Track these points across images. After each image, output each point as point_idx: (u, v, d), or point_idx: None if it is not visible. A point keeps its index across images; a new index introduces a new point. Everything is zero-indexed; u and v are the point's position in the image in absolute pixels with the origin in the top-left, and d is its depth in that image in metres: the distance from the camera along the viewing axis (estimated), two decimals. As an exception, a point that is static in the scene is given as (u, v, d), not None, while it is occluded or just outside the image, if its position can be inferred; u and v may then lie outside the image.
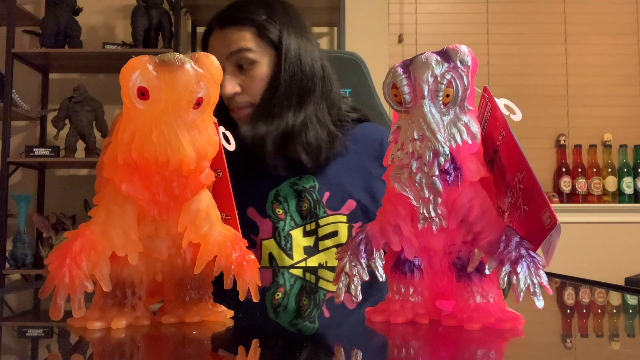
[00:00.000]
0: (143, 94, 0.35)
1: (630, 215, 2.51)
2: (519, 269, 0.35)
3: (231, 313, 0.42)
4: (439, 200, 0.36)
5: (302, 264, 0.90)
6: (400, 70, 0.37)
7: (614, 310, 0.52)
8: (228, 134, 0.49)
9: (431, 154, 0.35)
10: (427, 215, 0.36)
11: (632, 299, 0.55)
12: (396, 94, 0.37)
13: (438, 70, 0.36)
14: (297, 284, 0.69)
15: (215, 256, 0.40)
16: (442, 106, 0.36)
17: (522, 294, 0.34)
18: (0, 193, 2.27)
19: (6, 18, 2.31)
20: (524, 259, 0.35)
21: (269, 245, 0.91)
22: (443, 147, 0.35)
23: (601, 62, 2.69)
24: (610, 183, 2.55)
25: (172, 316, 0.40)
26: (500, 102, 0.39)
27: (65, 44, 2.40)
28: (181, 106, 0.36)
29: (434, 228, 0.37)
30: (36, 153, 2.31)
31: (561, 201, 2.55)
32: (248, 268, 0.41)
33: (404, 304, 0.39)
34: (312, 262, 0.91)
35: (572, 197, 2.56)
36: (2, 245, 2.28)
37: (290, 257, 0.91)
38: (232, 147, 0.49)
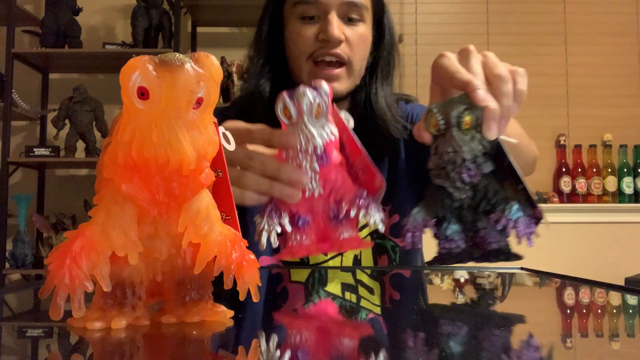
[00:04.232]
0: (143, 94, 0.35)
1: (630, 215, 2.51)
2: (370, 210, 0.56)
3: (231, 313, 0.42)
4: (317, 176, 0.56)
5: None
6: (287, 97, 0.55)
7: (614, 310, 0.52)
8: (228, 133, 0.50)
9: (312, 148, 0.55)
10: (311, 186, 0.56)
11: (632, 299, 0.55)
12: (286, 112, 0.55)
13: (312, 97, 0.54)
14: (298, 284, 0.69)
15: (215, 256, 0.40)
16: (315, 118, 0.55)
17: (372, 221, 0.56)
18: (0, 193, 2.27)
19: (6, 18, 2.31)
20: (371, 204, 0.57)
21: None
22: (318, 143, 0.55)
23: (601, 62, 2.69)
24: (610, 183, 2.55)
25: (172, 316, 0.40)
26: (342, 115, 0.60)
27: (65, 44, 2.40)
28: (181, 106, 0.36)
29: (315, 194, 0.57)
30: (36, 153, 2.31)
31: (561, 201, 2.55)
32: (248, 268, 0.41)
33: (300, 245, 0.58)
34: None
35: (572, 197, 2.56)
36: (2, 245, 2.28)
37: None
38: (232, 147, 0.49)
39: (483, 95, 0.52)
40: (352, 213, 0.57)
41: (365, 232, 0.91)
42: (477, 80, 0.54)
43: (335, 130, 0.57)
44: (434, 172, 0.56)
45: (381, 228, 0.57)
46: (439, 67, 0.58)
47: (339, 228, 0.58)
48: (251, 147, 0.60)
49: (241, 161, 0.59)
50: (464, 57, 0.58)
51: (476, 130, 0.54)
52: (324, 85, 0.56)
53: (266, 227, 0.56)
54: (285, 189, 0.56)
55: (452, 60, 0.58)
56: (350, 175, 0.60)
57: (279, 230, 0.56)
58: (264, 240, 0.56)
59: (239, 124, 0.61)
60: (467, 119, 0.53)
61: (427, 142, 0.57)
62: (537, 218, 0.55)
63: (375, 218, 0.56)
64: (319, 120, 0.55)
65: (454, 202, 0.55)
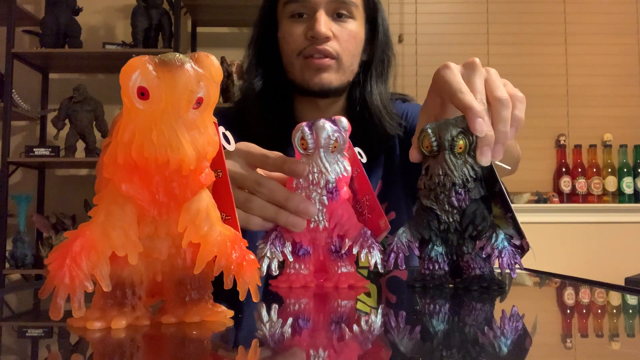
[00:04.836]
0: (143, 94, 0.35)
1: (630, 215, 2.51)
2: (372, 251, 0.57)
3: (231, 313, 0.42)
4: (325, 210, 0.57)
5: None
6: (306, 128, 0.55)
7: (614, 310, 0.52)
8: (228, 133, 0.50)
9: (324, 182, 0.55)
10: (317, 219, 0.57)
11: (632, 299, 0.55)
12: (303, 143, 0.55)
13: (330, 131, 0.55)
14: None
15: (215, 256, 0.40)
16: (330, 153, 0.55)
17: (373, 262, 0.56)
18: (0, 193, 2.27)
19: (6, 18, 2.31)
20: (374, 244, 0.57)
21: None
22: (331, 178, 0.55)
23: (601, 62, 2.69)
24: (610, 183, 2.55)
25: (172, 316, 0.40)
26: (356, 150, 0.63)
27: (65, 44, 2.40)
28: (181, 106, 0.36)
29: (320, 227, 0.57)
30: (36, 153, 2.31)
31: (561, 201, 2.55)
32: (248, 268, 0.41)
33: (298, 274, 0.58)
34: None
35: (572, 197, 2.56)
36: (2, 245, 2.28)
37: None
38: (232, 147, 0.49)
39: (481, 125, 0.52)
40: (354, 251, 0.57)
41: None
42: (479, 106, 0.53)
43: (349, 167, 0.57)
44: (423, 192, 0.55)
45: (381, 269, 0.56)
46: (441, 80, 0.56)
47: (337, 262, 0.59)
48: (261, 171, 0.60)
49: (250, 186, 0.58)
50: (467, 70, 0.56)
51: (469, 155, 0.53)
52: (344, 120, 0.56)
53: (268, 254, 0.56)
54: (291, 218, 0.56)
55: (455, 74, 0.56)
56: (355, 212, 0.60)
57: (281, 258, 0.57)
58: (264, 266, 0.56)
59: (255, 148, 0.60)
60: (461, 143, 0.53)
61: (417, 161, 0.56)
62: (522, 249, 0.55)
63: (377, 259, 0.57)
64: (334, 155, 0.55)
65: (440, 224, 0.55)
